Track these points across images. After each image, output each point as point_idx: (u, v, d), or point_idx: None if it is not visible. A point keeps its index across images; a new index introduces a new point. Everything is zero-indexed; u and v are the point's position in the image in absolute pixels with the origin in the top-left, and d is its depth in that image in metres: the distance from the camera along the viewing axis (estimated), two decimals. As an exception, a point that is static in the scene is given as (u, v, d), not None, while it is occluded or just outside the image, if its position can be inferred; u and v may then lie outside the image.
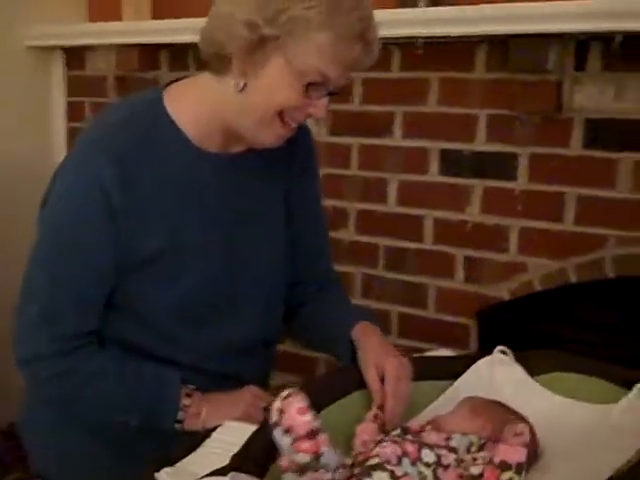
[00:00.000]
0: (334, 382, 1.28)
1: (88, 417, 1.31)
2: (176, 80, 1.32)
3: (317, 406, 1.21)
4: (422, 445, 1.07)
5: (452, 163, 2.11)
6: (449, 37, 1.94)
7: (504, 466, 1.05)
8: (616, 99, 1.89)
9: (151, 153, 1.23)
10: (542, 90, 1.94)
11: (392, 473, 0.97)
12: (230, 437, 1.20)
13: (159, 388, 1.26)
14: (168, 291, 1.26)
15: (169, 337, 1.29)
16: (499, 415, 1.20)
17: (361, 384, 1.28)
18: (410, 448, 1.05)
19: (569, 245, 1.97)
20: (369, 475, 0.97)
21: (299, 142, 1.35)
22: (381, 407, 1.25)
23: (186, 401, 1.27)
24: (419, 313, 2.22)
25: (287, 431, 0.99)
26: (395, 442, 1.06)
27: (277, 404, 1.00)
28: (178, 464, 1.14)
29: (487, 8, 1.87)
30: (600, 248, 1.94)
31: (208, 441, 1.20)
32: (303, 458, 0.97)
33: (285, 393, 1.02)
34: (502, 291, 2.08)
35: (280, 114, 1.21)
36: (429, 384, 1.35)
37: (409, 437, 1.10)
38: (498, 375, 1.38)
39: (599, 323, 1.95)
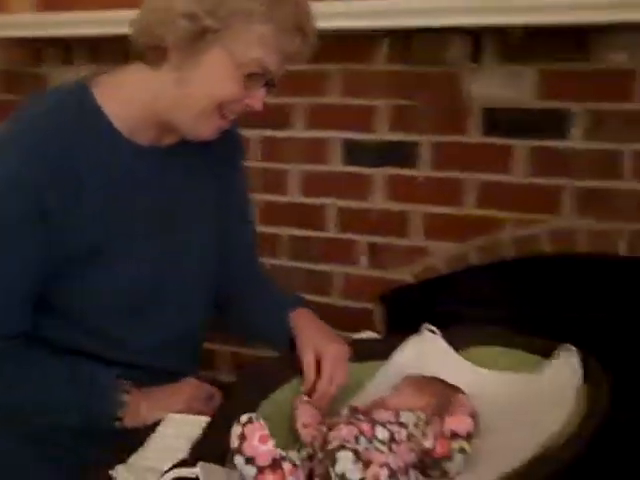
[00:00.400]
0: (273, 370, 1.30)
1: (21, 422, 1.27)
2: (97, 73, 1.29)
3: (262, 394, 1.25)
4: (375, 423, 1.11)
5: (355, 152, 2.16)
6: (353, 30, 1.99)
7: (455, 436, 1.11)
8: (511, 89, 1.99)
9: (82, 148, 1.20)
10: (442, 81, 2.03)
11: (355, 451, 1.00)
12: (175, 429, 1.21)
13: (95, 387, 1.23)
14: (102, 287, 1.24)
15: (102, 335, 1.27)
16: (440, 390, 1.26)
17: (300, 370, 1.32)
18: (365, 427, 1.09)
19: (470, 228, 2.07)
20: (333, 458, 0.99)
21: (228, 134, 1.35)
22: (309, 393, 1.28)
23: (124, 398, 1.25)
24: (324, 300, 2.26)
25: (250, 461, 0.98)
26: (350, 423, 1.10)
27: (237, 429, 1.00)
28: (130, 460, 1.14)
29: (389, 3, 1.93)
30: (499, 231, 2.04)
31: (154, 436, 1.19)
32: None
33: (245, 418, 1.01)
34: (406, 275, 2.15)
35: (219, 106, 1.21)
36: (365, 365, 1.40)
37: (360, 417, 1.14)
38: (427, 352, 1.44)
39: (499, 302, 2.05)
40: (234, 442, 0.99)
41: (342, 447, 0.99)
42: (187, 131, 1.25)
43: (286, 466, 1.00)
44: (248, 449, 0.98)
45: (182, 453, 1.14)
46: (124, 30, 1.24)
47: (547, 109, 1.96)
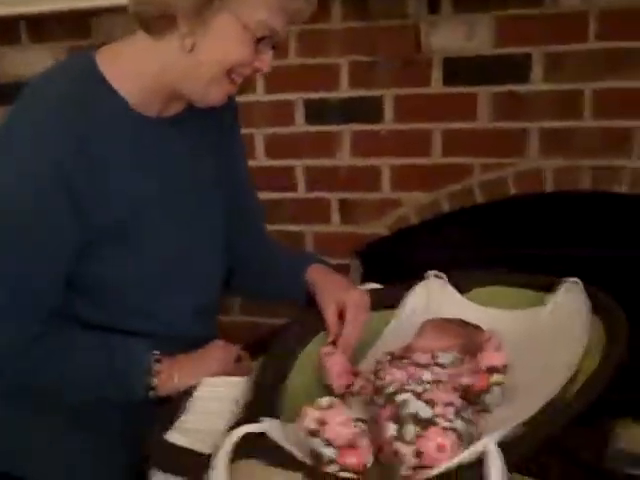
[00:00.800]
0: (302, 328, 1.33)
1: (64, 400, 1.27)
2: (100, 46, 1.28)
3: (293, 353, 1.29)
4: (417, 365, 1.16)
5: (318, 112, 2.18)
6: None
7: (492, 370, 1.17)
8: (468, 38, 2.04)
9: (99, 125, 1.19)
10: (400, 35, 2.06)
11: (413, 392, 1.04)
12: (213, 393, 1.23)
13: (129, 357, 1.24)
14: (131, 265, 1.24)
15: (132, 309, 1.27)
16: (462, 330, 1.31)
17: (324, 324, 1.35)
18: (412, 370, 1.14)
19: (439, 177, 2.12)
20: (400, 401, 1.03)
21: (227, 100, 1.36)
22: (333, 342, 1.32)
23: (156, 367, 1.26)
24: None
25: (329, 443, 0.97)
26: (398, 367, 1.14)
27: (316, 414, 0.99)
28: (176, 425, 1.15)
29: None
30: (467, 177, 2.10)
31: (193, 400, 1.21)
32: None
33: (325, 403, 1.02)
34: (379, 228, 2.20)
35: (229, 71, 1.21)
36: (378, 314, 1.45)
37: (403, 361, 1.18)
38: (435, 296, 1.49)
39: (472, 246, 2.12)
40: (310, 424, 0.98)
41: (403, 390, 1.04)
42: (198, 99, 1.25)
43: (364, 442, 0.99)
44: (330, 433, 0.98)
45: (227, 414, 1.17)
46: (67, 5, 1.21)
47: (506, 54, 2.01)
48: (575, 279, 1.43)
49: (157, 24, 1.19)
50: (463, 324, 1.33)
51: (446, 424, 0.98)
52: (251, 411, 1.08)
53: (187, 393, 1.23)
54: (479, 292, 1.52)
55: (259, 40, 1.19)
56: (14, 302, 1.18)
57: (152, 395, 1.26)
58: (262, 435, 0.99)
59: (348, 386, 1.23)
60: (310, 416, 1.00)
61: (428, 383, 1.11)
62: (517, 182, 2.06)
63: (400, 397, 1.03)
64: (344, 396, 1.22)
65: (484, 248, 2.10)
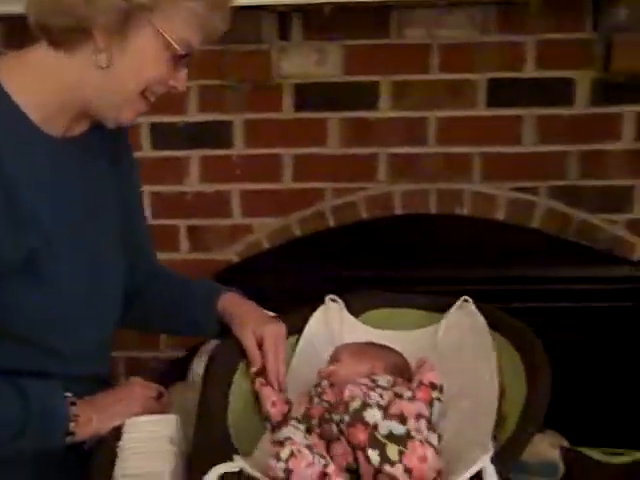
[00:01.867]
0: (226, 357, 1.28)
1: None
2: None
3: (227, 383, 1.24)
4: (365, 386, 1.16)
5: (164, 136, 2.12)
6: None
7: (433, 386, 1.19)
8: (319, 65, 2.08)
9: (7, 142, 1.08)
10: (251, 59, 2.06)
11: (378, 405, 1.05)
12: (146, 432, 1.15)
13: (45, 402, 1.14)
14: (42, 295, 1.13)
15: (41, 346, 1.16)
16: (377, 352, 1.32)
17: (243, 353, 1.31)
18: (364, 388, 1.13)
19: (290, 202, 2.14)
20: (362, 417, 1.03)
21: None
22: (259, 373, 1.29)
23: (73, 410, 1.16)
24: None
25: None
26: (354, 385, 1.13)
27: (281, 465, 0.96)
28: (118, 473, 1.07)
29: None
30: (319, 201, 2.13)
31: (126, 444, 1.12)
32: None
33: (286, 454, 0.97)
34: (231, 254, 2.17)
35: (143, 89, 1.15)
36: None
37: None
38: (332, 321, 1.49)
39: (326, 270, 2.15)
40: (279, 474, 0.96)
41: (367, 405, 1.03)
42: (109, 118, 1.17)
43: (331, 469, 0.99)
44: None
45: (166, 453, 1.11)
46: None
47: (355, 82, 2.08)
48: (465, 297, 1.50)
49: (69, 37, 1.10)
50: (376, 347, 1.35)
51: (421, 437, 0.99)
52: (210, 448, 1.03)
53: (112, 437, 1.15)
54: (372, 315, 1.55)
55: (175, 58, 1.14)
56: None
57: (69, 441, 1.16)
58: (239, 473, 0.95)
59: (284, 414, 1.20)
60: (278, 468, 0.97)
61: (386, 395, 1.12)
62: (368, 206, 2.13)
63: (368, 413, 1.03)
64: (280, 423, 1.19)
65: (337, 271, 2.13)
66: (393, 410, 1.04)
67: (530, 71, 2.06)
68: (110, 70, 1.11)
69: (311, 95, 2.09)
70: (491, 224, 2.12)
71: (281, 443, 0.99)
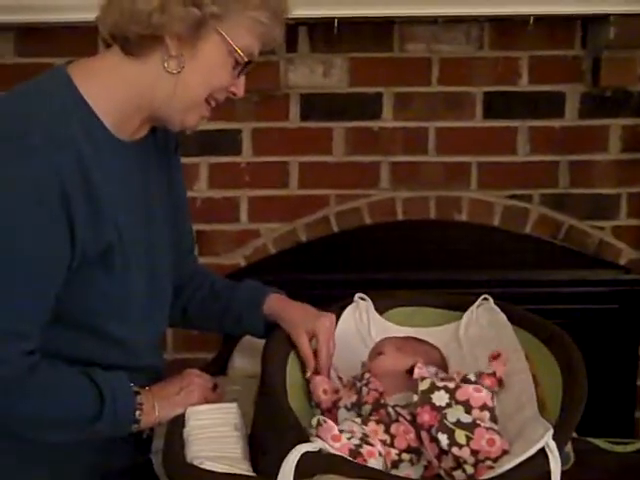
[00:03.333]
0: (279, 347, 1.36)
1: (56, 439, 1.19)
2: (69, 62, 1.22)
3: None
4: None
5: (175, 144, 2.18)
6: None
7: (500, 381, 1.28)
8: (325, 76, 2.17)
9: (86, 145, 1.15)
10: (261, 70, 2.12)
11: (446, 388, 1.14)
12: (209, 420, 1.22)
13: (114, 389, 1.20)
14: (115, 291, 1.20)
15: (112, 340, 1.23)
16: (418, 347, 1.41)
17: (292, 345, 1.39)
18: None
19: (296, 208, 2.22)
20: (430, 399, 1.12)
21: None
22: (316, 372, 1.37)
23: (138, 399, 1.23)
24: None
25: None
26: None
27: (313, 432, 1.08)
28: (189, 456, 1.13)
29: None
30: (324, 207, 2.22)
31: (192, 431, 1.19)
32: None
33: (314, 422, 1.10)
34: (238, 258, 2.24)
35: (208, 95, 1.22)
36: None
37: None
38: (362, 319, 1.58)
39: (332, 272, 2.23)
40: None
41: (435, 387, 1.12)
42: (175, 122, 1.23)
43: (365, 450, 1.08)
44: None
45: (235, 439, 1.18)
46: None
47: (359, 93, 2.17)
48: (485, 295, 1.60)
49: (141, 44, 1.16)
50: (418, 341, 1.44)
51: (486, 425, 1.08)
52: (286, 429, 1.10)
53: (174, 424, 1.22)
54: (395, 313, 1.64)
55: (238, 65, 1.21)
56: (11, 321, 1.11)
57: (135, 429, 1.23)
58: (319, 452, 1.02)
59: (334, 402, 1.28)
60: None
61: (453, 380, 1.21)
62: (371, 212, 2.22)
63: (436, 396, 1.12)
64: (331, 410, 1.27)
65: (342, 273, 2.21)
66: (459, 395, 1.13)
67: (524, 85, 2.18)
68: (180, 76, 1.18)
69: (317, 105, 2.18)
70: (487, 229, 2.23)
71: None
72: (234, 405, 1.24)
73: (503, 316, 1.54)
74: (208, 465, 1.07)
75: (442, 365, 1.41)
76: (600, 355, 2.22)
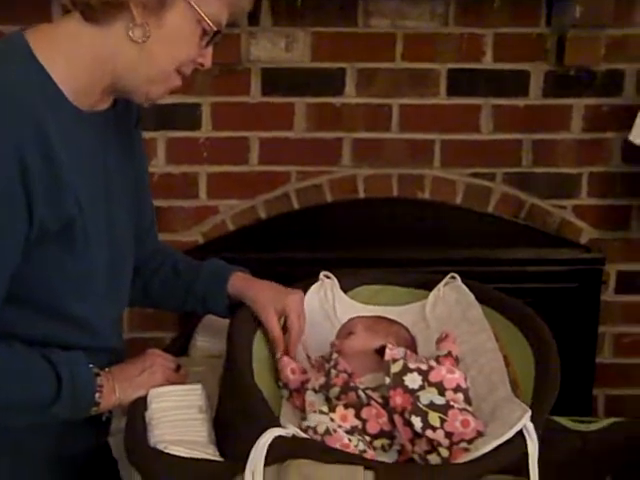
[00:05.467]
0: (245, 325, 1.32)
1: (13, 423, 1.14)
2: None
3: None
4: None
5: (131, 117, 2.12)
6: None
7: (457, 359, 1.26)
8: (286, 50, 2.12)
9: (46, 113, 1.09)
10: (221, 43, 2.07)
11: (419, 370, 1.11)
12: (173, 402, 1.18)
13: (73, 371, 1.14)
14: (74, 268, 1.14)
15: (72, 319, 1.17)
16: (390, 327, 1.39)
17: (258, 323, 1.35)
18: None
19: (256, 184, 2.17)
20: (402, 381, 1.09)
21: None
22: (285, 351, 1.34)
23: (98, 380, 1.18)
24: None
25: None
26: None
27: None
28: (152, 440, 1.09)
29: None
30: (284, 184, 2.18)
31: (154, 414, 1.15)
32: None
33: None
34: (196, 235, 2.19)
35: (179, 66, 1.17)
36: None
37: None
38: (327, 298, 1.55)
39: (291, 250, 2.20)
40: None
41: (407, 369, 1.10)
42: (139, 93, 1.18)
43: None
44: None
45: (200, 422, 1.14)
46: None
47: (322, 68, 2.13)
48: (453, 274, 1.58)
49: (104, 11, 1.10)
50: (388, 321, 1.41)
51: (459, 406, 1.06)
52: (256, 412, 1.07)
53: (136, 407, 1.17)
54: (359, 292, 1.61)
55: (206, 35, 1.16)
56: None
57: (94, 412, 1.18)
58: (292, 437, 0.99)
59: (303, 382, 1.25)
60: None
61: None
62: (332, 189, 2.18)
63: (408, 378, 1.09)
64: (300, 391, 1.24)
65: (303, 251, 2.18)
66: (432, 377, 1.11)
67: (488, 63, 2.15)
68: (145, 45, 1.12)
69: (279, 80, 2.13)
70: (450, 208, 2.21)
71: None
72: (198, 386, 1.20)
73: (471, 295, 1.52)
74: (173, 450, 1.03)
75: (412, 346, 1.38)
76: (560, 333, 2.22)
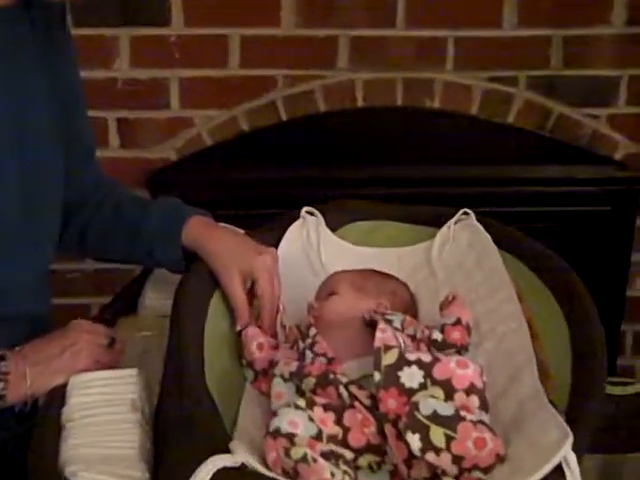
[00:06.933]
0: (197, 286, 1.03)
1: None
2: None
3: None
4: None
5: (88, 10, 1.78)
6: None
7: (469, 328, 0.99)
8: None
9: None
10: None
11: (419, 363, 0.84)
12: (97, 395, 0.91)
13: None
14: None
15: None
16: (383, 284, 1.10)
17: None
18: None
19: (237, 91, 1.86)
20: (397, 378, 0.82)
21: None
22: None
23: (2, 367, 0.91)
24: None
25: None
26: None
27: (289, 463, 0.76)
28: (64, 456, 0.82)
29: None
30: (270, 90, 1.86)
31: (69, 411, 0.88)
32: None
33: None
34: (168, 151, 1.89)
35: None
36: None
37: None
38: (310, 240, 1.26)
39: (278, 168, 1.90)
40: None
41: (404, 360, 0.82)
42: None
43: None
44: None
45: (134, 424, 0.87)
46: None
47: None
48: (465, 209, 1.29)
49: None
50: (380, 276, 1.13)
51: (473, 417, 0.77)
52: (194, 422, 0.79)
53: (50, 402, 0.91)
54: (351, 229, 1.32)
55: None
56: None
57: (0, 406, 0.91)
58: (240, 469, 0.72)
59: (272, 361, 0.97)
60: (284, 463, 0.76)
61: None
62: (326, 96, 1.87)
63: (405, 374, 0.81)
64: (267, 372, 0.97)
65: (292, 170, 1.88)
66: (438, 373, 0.82)
67: (513, -58, 1.80)
68: None
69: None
70: (464, 118, 1.90)
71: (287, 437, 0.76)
72: (134, 372, 0.92)
73: (488, 237, 1.23)
74: (84, 478, 0.77)
75: (412, 309, 1.10)
76: (588, 263, 1.95)
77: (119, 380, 0.92)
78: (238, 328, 1.02)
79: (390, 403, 0.80)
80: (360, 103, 1.88)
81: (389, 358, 0.83)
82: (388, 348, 0.84)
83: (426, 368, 0.82)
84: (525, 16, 1.83)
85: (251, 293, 1.05)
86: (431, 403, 0.77)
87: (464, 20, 1.83)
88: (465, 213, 1.28)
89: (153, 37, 1.82)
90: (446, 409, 0.77)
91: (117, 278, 1.77)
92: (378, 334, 0.87)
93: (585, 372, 0.86)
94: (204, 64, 1.84)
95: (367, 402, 0.83)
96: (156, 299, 1.17)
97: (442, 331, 0.98)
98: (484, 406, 0.81)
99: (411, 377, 0.82)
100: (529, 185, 1.93)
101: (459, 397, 0.80)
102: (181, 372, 0.89)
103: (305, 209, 1.27)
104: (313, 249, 1.25)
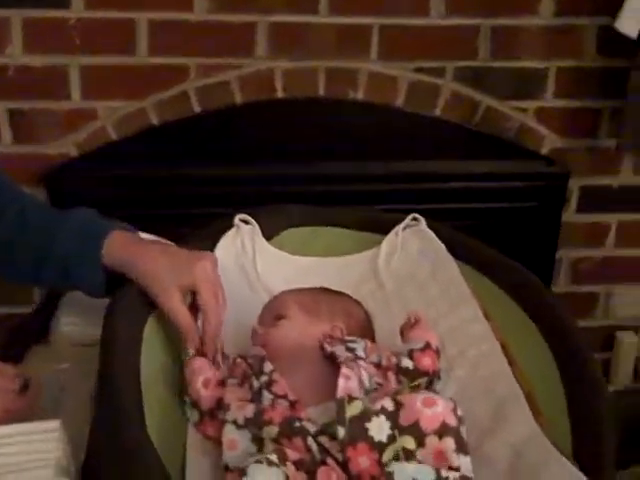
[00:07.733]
0: (130, 311, 0.88)
1: None
2: None
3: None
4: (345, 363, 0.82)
5: (-26, -11, 1.59)
6: None
7: (438, 351, 0.88)
8: None
9: None
10: None
11: (385, 412, 0.72)
12: (14, 456, 0.75)
13: None
14: None
15: None
16: (336, 304, 0.98)
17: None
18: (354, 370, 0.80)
19: (145, 81, 1.69)
20: (365, 431, 0.69)
21: None
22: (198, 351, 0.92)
23: None
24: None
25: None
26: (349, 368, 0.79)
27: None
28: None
29: None
30: (182, 81, 1.71)
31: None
32: None
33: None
34: (68, 146, 1.71)
35: None
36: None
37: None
38: (246, 249, 1.13)
39: (190, 165, 1.75)
40: None
41: (371, 412, 0.70)
42: None
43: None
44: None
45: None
46: None
47: None
48: (415, 215, 1.18)
49: None
50: (333, 295, 1.01)
51: (456, 475, 0.66)
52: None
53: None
54: (288, 236, 1.20)
55: None
56: None
57: None
58: None
59: (219, 400, 0.84)
60: None
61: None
62: (243, 87, 1.72)
63: (374, 425, 0.70)
64: (215, 413, 0.84)
65: (205, 166, 1.74)
66: (404, 418, 0.71)
67: None
68: None
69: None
70: (388, 110, 1.79)
71: None
72: (56, 425, 0.78)
73: (441, 245, 1.13)
74: None
75: (368, 329, 0.99)
76: (513, 259, 1.90)
77: (38, 436, 0.77)
78: (190, 353, 0.88)
79: (362, 461, 0.69)
80: (280, 94, 1.74)
81: (353, 409, 0.71)
82: (351, 399, 0.72)
83: (392, 417, 0.71)
84: (453, 5, 1.73)
85: (194, 307, 0.92)
86: (408, 471, 0.66)
87: (390, 8, 1.72)
88: (414, 219, 1.18)
89: (50, 20, 1.63)
90: (426, 474, 0.66)
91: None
92: (341, 382, 0.75)
93: (586, 408, 0.76)
94: (108, 51, 1.66)
95: (339, 457, 0.70)
96: (72, 325, 1.02)
97: (411, 357, 0.88)
98: (462, 448, 0.70)
99: (380, 428, 0.70)
100: (453, 180, 1.85)
101: (430, 442, 0.70)
102: (117, 420, 0.75)
103: (239, 217, 1.14)
104: (249, 260, 1.12)
